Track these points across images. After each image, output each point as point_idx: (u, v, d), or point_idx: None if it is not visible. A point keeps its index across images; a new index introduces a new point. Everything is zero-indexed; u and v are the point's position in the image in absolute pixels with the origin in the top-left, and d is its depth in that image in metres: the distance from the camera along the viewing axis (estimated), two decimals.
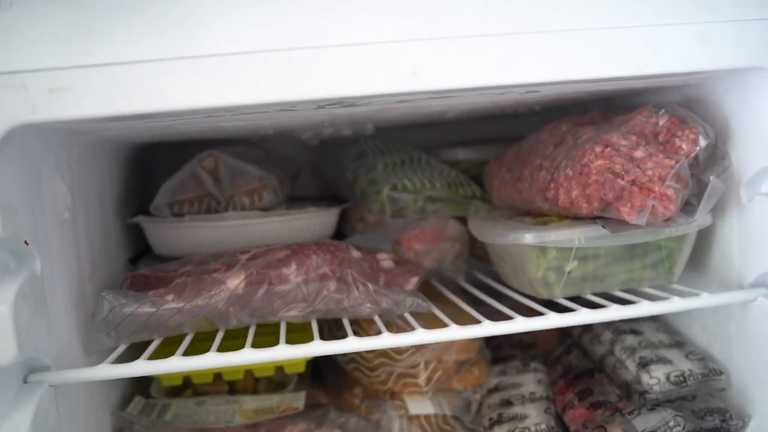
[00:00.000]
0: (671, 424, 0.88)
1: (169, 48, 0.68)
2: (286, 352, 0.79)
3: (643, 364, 0.96)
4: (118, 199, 1.12)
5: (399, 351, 0.99)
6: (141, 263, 1.13)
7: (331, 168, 1.31)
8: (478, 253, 1.20)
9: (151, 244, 1.13)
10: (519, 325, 0.83)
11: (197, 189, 1.09)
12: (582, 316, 0.84)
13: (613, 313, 0.85)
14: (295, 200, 1.28)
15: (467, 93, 0.78)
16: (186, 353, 0.80)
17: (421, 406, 1.00)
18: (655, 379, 0.94)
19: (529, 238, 0.88)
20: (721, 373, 0.94)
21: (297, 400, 1.00)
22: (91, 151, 0.96)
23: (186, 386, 1.07)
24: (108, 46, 0.68)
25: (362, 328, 0.99)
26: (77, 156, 0.90)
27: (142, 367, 0.78)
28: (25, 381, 0.74)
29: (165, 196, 1.09)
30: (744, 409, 0.93)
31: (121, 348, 0.84)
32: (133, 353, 0.83)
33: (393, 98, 0.77)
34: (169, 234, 1.08)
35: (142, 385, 1.06)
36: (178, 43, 0.68)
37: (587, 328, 1.12)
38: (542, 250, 0.89)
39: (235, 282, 0.87)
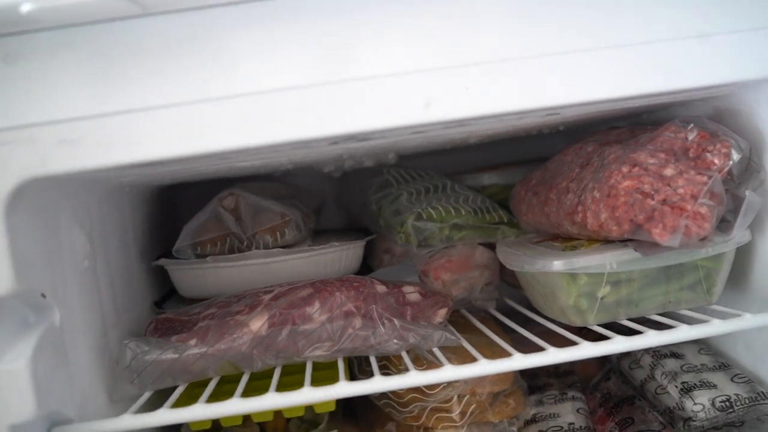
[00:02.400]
0: None
1: (177, 94, 0.67)
2: (311, 395, 0.76)
3: (686, 390, 0.92)
4: (141, 242, 1.11)
5: (431, 386, 0.96)
6: (167, 305, 1.12)
7: (355, 200, 1.29)
8: (509, 279, 1.17)
9: (176, 286, 1.11)
10: (551, 356, 0.80)
11: (219, 229, 1.08)
12: (617, 345, 0.81)
13: (649, 339, 0.81)
14: (320, 233, 1.27)
15: (484, 120, 0.76)
16: (211, 398, 0.78)
17: None
18: (700, 405, 0.89)
19: (558, 265, 0.85)
20: None
21: None
22: (111, 196, 0.96)
23: (216, 429, 1.05)
24: (116, 96, 0.67)
25: (391, 362, 0.96)
26: (96, 202, 0.89)
27: (165, 416, 0.76)
28: None
29: (187, 237, 1.07)
30: None
31: (146, 395, 0.83)
32: (159, 399, 0.82)
33: (407, 131, 0.75)
34: (193, 275, 1.07)
35: (172, 429, 1.05)
36: (185, 90, 0.67)
37: (626, 353, 1.08)
38: (572, 276, 0.86)
39: (258, 324, 0.85)
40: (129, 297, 1.00)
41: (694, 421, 0.89)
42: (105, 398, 0.84)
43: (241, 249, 1.07)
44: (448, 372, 0.78)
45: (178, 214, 1.18)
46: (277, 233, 1.07)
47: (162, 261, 1.08)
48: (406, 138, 0.85)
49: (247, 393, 0.78)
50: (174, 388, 0.84)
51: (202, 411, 0.75)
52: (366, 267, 1.22)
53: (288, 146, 0.72)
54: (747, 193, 0.82)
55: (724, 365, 0.97)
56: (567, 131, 1.27)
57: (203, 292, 1.06)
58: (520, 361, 0.79)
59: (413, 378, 0.78)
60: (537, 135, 1.28)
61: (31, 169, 0.66)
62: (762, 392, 0.90)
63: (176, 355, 0.83)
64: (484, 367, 0.79)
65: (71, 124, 0.66)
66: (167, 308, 1.09)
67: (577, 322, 0.88)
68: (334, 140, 0.73)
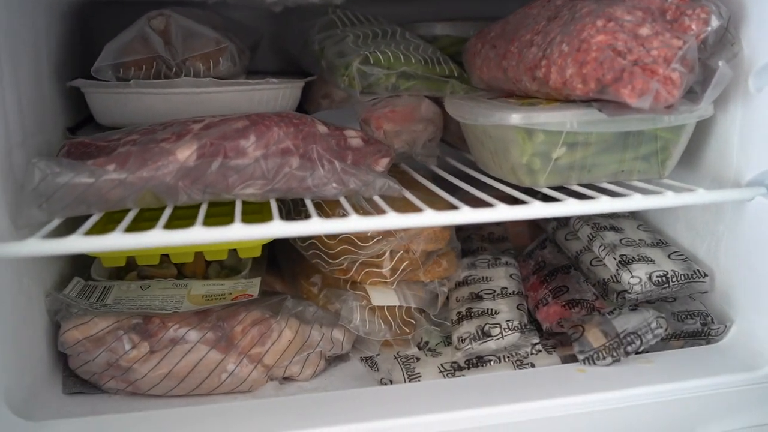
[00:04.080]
0: (653, 325, 0.83)
1: None
2: (242, 232, 0.70)
3: (624, 263, 0.90)
4: (56, 60, 1.00)
5: (364, 238, 0.91)
6: (81, 133, 1.02)
7: (296, 39, 1.19)
8: (450, 140, 1.11)
9: (93, 112, 1.01)
10: (501, 212, 0.75)
11: (145, 51, 0.97)
12: (569, 207, 0.77)
13: (603, 205, 0.77)
14: (254, 74, 1.17)
15: None
16: (128, 231, 0.70)
17: (384, 297, 0.94)
18: (637, 278, 0.88)
19: (516, 118, 0.79)
20: (705, 275, 0.89)
21: (251, 286, 0.93)
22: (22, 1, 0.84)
23: (130, 269, 0.99)
24: None
25: (324, 212, 0.90)
26: (4, 2, 0.78)
27: (77, 243, 0.68)
28: None
29: (108, 57, 0.96)
30: (727, 314, 0.89)
31: (56, 223, 0.75)
32: (69, 229, 0.74)
33: None
34: (113, 100, 0.97)
35: (81, 266, 0.98)
36: None
37: (563, 223, 1.06)
38: (529, 133, 0.80)
39: (185, 153, 0.77)
40: (39, 118, 0.90)
41: (629, 293, 0.88)
42: (8, 224, 0.76)
43: (169, 75, 0.97)
44: (392, 219, 0.73)
45: (99, 36, 1.06)
46: (210, 61, 0.98)
47: (79, 81, 0.97)
48: None
49: (169, 228, 0.71)
50: (87, 218, 0.76)
51: (121, 241, 0.68)
52: (302, 112, 1.13)
53: None
54: (720, 64, 0.78)
55: (662, 242, 0.96)
56: None
57: (123, 120, 0.97)
58: (468, 215, 0.74)
59: (354, 222, 0.72)
60: None
61: None
62: (697, 270, 0.90)
63: (92, 180, 0.74)
64: (430, 217, 0.74)
65: None
66: (81, 136, 0.99)
67: (527, 183, 0.84)
68: None
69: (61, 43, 1.03)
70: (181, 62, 0.97)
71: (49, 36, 0.97)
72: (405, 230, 0.90)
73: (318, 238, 0.93)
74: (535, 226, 1.15)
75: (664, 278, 0.88)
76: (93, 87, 0.98)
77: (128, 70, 0.97)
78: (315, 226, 0.71)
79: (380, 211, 0.76)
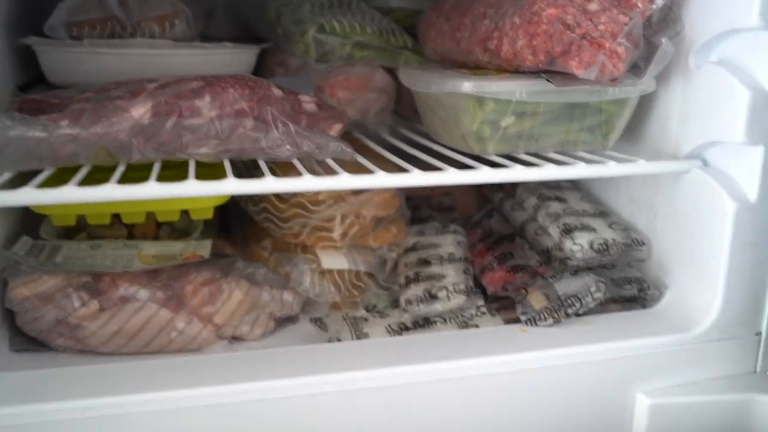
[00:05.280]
0: (593, 289, 0.86)
1: None
2: (196, 188, 0.71)
3: (567, 231, 0.94)
4: (5, 17, 0.98)
5: (315, 202, 0.92)
6: (32, 92, 1.00)
7: (251, 6, 1.19)
8: (403, 111, 1.13)
9: (44, 71, 1.00)
10: (451, 176, 0.77)
11: (100, 11, 0.96)
12: (516, 173, 0.80)
13: (549, 171, 0.81)
14: (208, 40, 1.17)
15: None
16: (82, 184, 0.71)
17: (334, 260, 0.95)
18: (579, 246, 0.92)
19: (467, 86, 0.81)
20: (643, 243, 0.93)
21: (202, 247, 0.93)
22: None
23: (80, 229, 0.98)
24: None
25: (276, 174, 0.91)
26: None
27: (28, 195, 0.68)
28: None
29: (62, 15, 0.96)
30: (661, 281, 0.93)
31: (6, 176, 0.74)
32: (19, 185, 0.74)
33: None
34: (66, 59, 0.96)
35: (29, 225, 0.97)
36: None
37: (510, 194, 1.09)
38: (479, 101, 0.83)
39: (140, 111, 0.77)
40: None
41: (571, 260, 0.91)
42: None
43: (123, 36, 0.97)
44: (345, 180, 0.75)
45: None
46: (166, 24, 0.98)
47: (31, 39, 0.96)
48: None
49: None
50: (37, 173, 0.76)
51: (74, 193, 0.68)
52: None
53: None
54: (663, 41, 0.82)
55: (603, 213, 1.00)
56: None
57: (75, 79, 0.95)
58: (418, 178, 0.77)
59: (307, 182, 0.74)
60: None
61: None
62: (636, 239, 0.94)
63: (44, 134, 0.74)
64: (381, 179, 0.76)
65: None
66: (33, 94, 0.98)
67: (476, 150, 0.86)
68: None
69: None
70: (136, 23, 0.97)
71: None
72: (356, 195, 0.92)
73: (270, 201, 0.94)
74: (483, 197, 1.18)
75: (604, 246, 0.91)
76: (45, 45, 0.97)
77: (82, 29, 0.96)
78: (269, 184, 0.73)
79: (333, 173, 0.78)
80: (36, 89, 1.03)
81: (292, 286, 0.93)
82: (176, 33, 0.99)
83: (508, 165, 0.81)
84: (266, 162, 0.82)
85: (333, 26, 1.01)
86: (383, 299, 0.98)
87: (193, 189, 0.70)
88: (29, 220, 0.97)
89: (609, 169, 0.82)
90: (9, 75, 0.99)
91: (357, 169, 0.79)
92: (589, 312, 0.87)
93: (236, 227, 1.09)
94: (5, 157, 0.74)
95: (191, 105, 0.79)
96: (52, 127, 0.75)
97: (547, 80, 0.80)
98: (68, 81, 0.98)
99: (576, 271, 0.90)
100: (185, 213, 0.96)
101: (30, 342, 0.85)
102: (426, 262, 0.97)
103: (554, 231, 0.95)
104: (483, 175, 0.78)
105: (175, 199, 0.85)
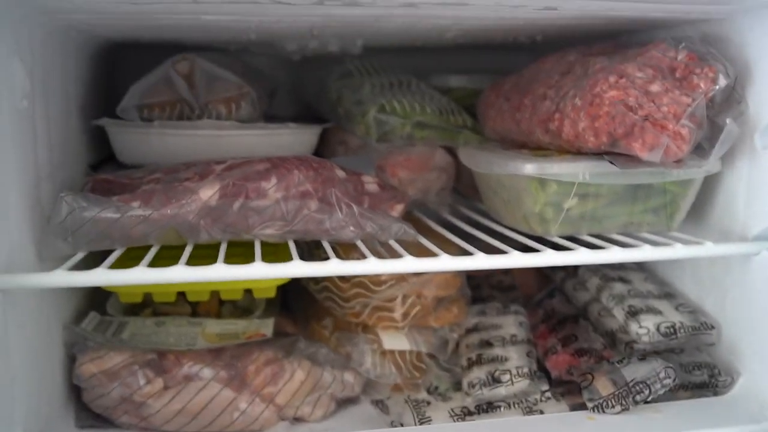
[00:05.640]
0: (662, 375, 0.83)
1: None
2: (262, 271, 0.72)
3: (632, 313, 0.92)
4: (83, 99, 1.02)
5: (377, 282, 0.92)
6: (102, 170, 1.04)
7: (313, 86, 1.22)
8: (463, 189, 1.14)
9: (116, 151, 1.04)
10: (514, 259, 0.77)
11: (170, 93, 1.00)
12: (580, 255, 0.79)
13: (613, 254, 0.80)
14: (271, 119, 1.20)
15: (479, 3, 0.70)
16: (151, 265, 0.72)
17: (395, 341, 0.95)
18: (645, 329, 0.89)
19: (530, 168, 0.82)
20: (712, 327, 0.90)
21: (265, 326, 0.94)
22: (56, 40, 0.87)
23: (145, 305, 1.00)
24: None
25: (339, 253, 0.92)
26: (40, 41, 0.81)
27: (102, 276, 0.70)
28: None
29: (134, 98, 1.00)
30: (733, 366, 0.90)
31: (79, 256, 0.77)
32: (91, 264, 0.76)
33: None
34: (136, 140, 1.00)
35: (97, 301, 0.99)
36: None
37: (572, 274, 1.07)
38: (542, 183, 0.83)
39: (208, 192, 0.79)
40: (64, 154, 0.92)
41: (638, 343, 0.89)
42: (33, 255, 0.78)
43: (191, 118, 1.00)
44: (409, 263, 0.75)
45: (123, 78, 1.09)
46: (232, 105, 1.01)
47: (104, 120, 1.00)
48: (393, 12, 0.79)
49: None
50: (107, 255, 0.78)
51: (145, 275, 0.70)
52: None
53: None
54: (727, 121, 0.81)
55: (669, 294, 0.97)
56: (541, 46, 1.23)
57: (145, 159, 0.99)
58: (482, 261, 0.76)
59: (372, 265, 0.74)
60: (508, 47, 1.24)
61: None
62: (704, 322, 0.91)
63: (117, 215, 0.77)
64: (445, 262, 0.76)
65: None
66: (103, 173, 1.01)
67: (539, 232, 0.86)
68: None
69: (88, 82, 1.06)
70: (204, 105, 1.00)
71: (78, 76, 1.00)
72: (417, 276, 0.92)
73: (331, 281, 0.95)
74: (543, 276, 1.17)
75: (671, 329, 0.89)
76: (117, 126, 1.00)
77: (152, 111, 1.00)
78: (334, 266, 0.73)
79: (395, 255, 0.78)
80: (107, 167, 1.06)
81: (353, 366, 0.92)
82: (241, 114, 1.02)
83: (572, 247, 0.81)
84: (329, 242, 0.83)
85: (393, 107, 1.03)
86: (445, 381, 0.96)
87: (259, 271, 0.71)
88: (97, 295, 0.99)
89: (676, 251, 0.81)
90: (82, 154, 1.03)
91: (419, 250, 0.80)
92: (658, 399, 0.85)
93: (297, 305, 1.10)
94: (80, 238, 0.76)
95: (257, 187, 0.81)
96: (124, 208, 0.77)
97: (611, 162, 0.79)
98: (138, 161, 1.01)
99: (643, 356, 0.88)
100: (248, 291, 0.97)
101: (95, 418, 0.86)
102: (488, 344, 0.95)
103: (619, 313, 0.93)
104: (547, 258, 0.78)
105: None
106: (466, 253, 0.79)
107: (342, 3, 0.70)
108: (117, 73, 1.23)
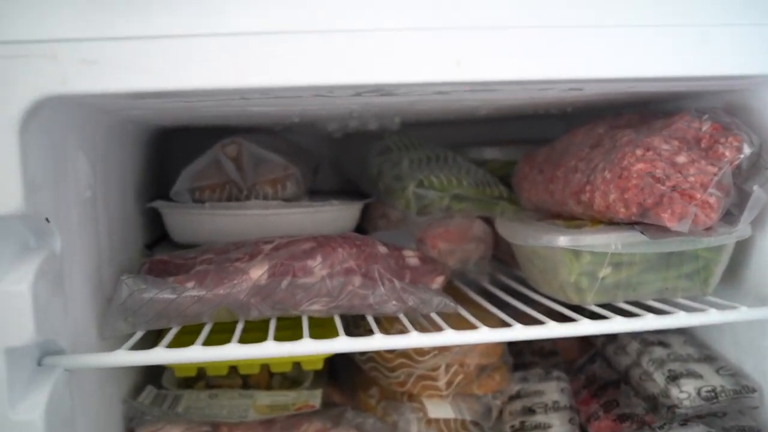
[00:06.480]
0: None
1: (205, 23, 0.65)
2: (310, 347, 0.76)
3: (673, 378, 0.93)
4: (138, 183, 1.09)
5: (420, 352, 0.96)
6: (157, 250, 1.10)
7: (354, 163, 1.28)
8: (501, 256, 1.17)
9: (169, 231, 1.10)
10: (552, 330, 0.80)
11: (219, 176, 1.06)
12: (616, 324, 0.81)
13: (648, 322, 0.82)
14: (315, 194, 1.26)
15: (510, 86, 0.75)
16: (204, 344, 0.77)
17: (440, 409, 0.98)
18: (686, 393, 0.90)
19: (563, 240, 0.85)
20: (754, 390, 0.91)
21: (313, 397, 0.97)
22: (116, 132, 0.94)
23: (199, 378, 1.04)
24: (142, 18, 0.65)
25: (382, 327, 0.96)
26: (102, 135, 0.88)
27: (161, 355, 0.75)
28: (39, 364, 0.71)
29: (186, 181, 1.06)
30: None
31: (138, 335, 0.82)
32: (146, 341, 0.81)
33: (433, 88, 0.74)
34: (189, 220, 1.06)
35: (153, 374, 1.04)
36: (214, 19, 0.66)
37: (612, 338, 1.09)
38: (576, 254, 0.86)
39: (258, 272, 0.84)
40: (123, 236, 0.99)
41: (679, 408, 0.90)
42: (95, 334, 0.83)
43: (240, 198, 1.06)
44: (450, 336, 0.78)
45: (175, 161, 1.16)
46: (278, 186, 1.06)
47: (158, 203, 1.06)
48: (426, 98, 0.84)
49: (240, 343, 0.77)
50: (160, 332, 0.83)
51: (200, 353, 0.74)
52: (360, 231, 1.21)
53: (312, 91, 0.71)
54: (755, 188, 0.83)
55: (709, 357, 0.98)
56: (570, 116, 1.27)
57: (197, 239, 1.05)
58: (520, 332, 0.79)
59: (414, 339, 0.77)
60: (542, 116, 1.28)
61: (51, 86, 0.63)
62: (746, 386, 0.92)
63: (174, 296, 0.82)
64: (485, 334, 0.79)
65: (95, 44, 0.64)
66: (158, 252, 1.07)
67: (575, 300, 0.89)
68: (359, 90, 0.72)
69: (143, 166, 1.13)
70: (252, 186, 1.06)
71: (135, 160, 1.07)
72: (459, 345, 0.95)
73: (376, 352, 0.98)
74: (584, 340, 1.18)
75: (712, 393, 0.90)
76: (171, 208, 1.06)
77: (203, 193, 1.06)
78: (378, 342, 0.77)
79: (437, 327, 0.81)
80: (161, 247, 1.12)
81: None
82: (287, 193, 1.07)
83: (608, 316, 0.83)
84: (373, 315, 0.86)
85: (431, 181, 1.08)
86: None
87: (307, 348, 0.75)
88: (153, 368, 1.04)
89: (710, 317, 0.83)
90: (139, 234, 1.09)
91: (460, 322, 0.83)
92: None
93: (344, 375, 1.13)
94: (139, 318, 0.81)
95: (304, 265, 0.85)
96: (179, 289, 0.82)
97: (641, 232, 0.82)
98: (191, 240, 1.07)
99: (685, 421, 0.89)
100: (297, 363, 1.01)
101: None
102: (531, 411, 0.97)
103: (659, 377, 0.95)
104: (583, 328, 0.80)
105: None
106: (505, 324, 0.82)
107: (378, 93, 0.75)
108: (169, 154, 1.30)
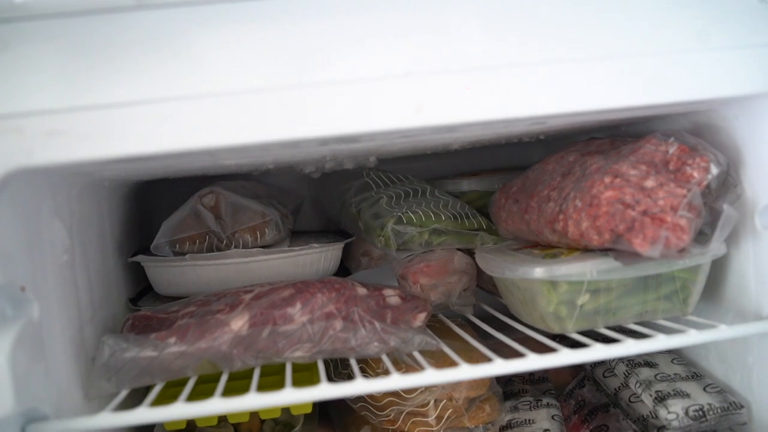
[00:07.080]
0: None
1: (167, 88, 0.66)
2: (292, 396, 0.76)
3: (660, 399, 0.93)
4: (118, 238, 1.10)
5: (408, 390, 0.96)
6: (142, 302, 1.11)
7: (334, 202, 1.29)
8: (486, 286, 1.18)
9: (153, 283, 1.10)
10: (531, 362, 0.80)
11: (198, 226, 1.07)
12: (596, 353, 0.82)
13: (628, 348, 0.82)
14: (297, 234, 1.27)
15: (472, 127, 0.76)
16: (190, 397, 0.77)
17: None
18: (674, 414, 0.91)
19: (539, 272, 0.85)
20: (741, 406, 0.92)
21: None
22: (91, 191, 0.94)
23: (190, 429, 1.04)
24: (105, 87, 0.66)
25: (369, 365, 0.96)
26: (76, 196, 0.88)
27: (144, 414, 0.75)
28: None
29: (166, 234, 1.07)
30: None
31: (123, 393, 0.82)
32: (134, 397, 0.81)
33: (396, 134, 0.75)
34: (171, 273, 1.06)
35: (144, 427, 1.03)
36: (176, 83, 0.67)
37: (600, 361, 1.09)
38: (553, 284, 0.87)
39: (239, 323, 0.84)
40: (105, 293, 0.99)
41: (668, 429, 0.91)
42: (80, 395, 0.83)
43: (220, 248, 1.07)
44: (430, 376, 0.78)
45: (155, 211, 1.17)
46: (257, 233, 1.07)
47: (139, 257, 1.07)
48: (393, 141, 0.85)
49: (226, 393, 0.77)
50: (148, 387, 0.83)
51: (183, 410, 0.75)
52: (343, 269, 1.22)
53: (278, 146, 0.72)
54: (725, 207, 0.84)
55: (696, 375, 0.99)
56: (546, 141, 1.29)
57: (180, 290, 1.05)
58: (501, 367, 0.80)
59: (395, 381, 0.78)
60: (516, 143, 1.29)
61: (18, 160, 0.64)
62: (734, 402, 0.92)
63: (155, 353, 0.82)
64: (466, 371, 0.79)
65: (60, 115, 0.65)
66: (142, 305, 1.08)
67: (556, 330, 0.89)
68: (324, 141, 0.73)
69: (123, 220, 1.13)
70: (231, 235, 1.07)
71: (113, 216, 1.08)
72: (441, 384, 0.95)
73: None
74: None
75: (700, 412, 0.91)
76: (152, 262, 1.07)
77: (183, 244, 1.07)
78: (359, 386, 0.77)
79: (420, 366, 0.82)
80: (146, 299, 1.13)
81: None
82: (267, 240, 1.08)
83: (587, 344, 0.83)
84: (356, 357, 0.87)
85: (409, 217, 1.08)
86: None
87: (289, 397, 0.76)
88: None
89: (690, 338, 0.83)
90: (122, 289, 1.10)
91: (443, 357, 0.83)
92: None
93: (335, 414, 1.13)
94: (122, 376, 0.82)
95: (284, 313, 0.86)
96: (161, 345, 0.83)
97: (615, 259, 0.83)
98: (174, 291, 1.07)
99: None
100: (286, 408, 1.01)
101: None
102: None
103: (647, 399, 0.95)
104: (564, 358, 0.81)
105: None
106: (487, 358, 0.82)
107: (343, 141, 0.76)
108: (153, 203, 1.31)
